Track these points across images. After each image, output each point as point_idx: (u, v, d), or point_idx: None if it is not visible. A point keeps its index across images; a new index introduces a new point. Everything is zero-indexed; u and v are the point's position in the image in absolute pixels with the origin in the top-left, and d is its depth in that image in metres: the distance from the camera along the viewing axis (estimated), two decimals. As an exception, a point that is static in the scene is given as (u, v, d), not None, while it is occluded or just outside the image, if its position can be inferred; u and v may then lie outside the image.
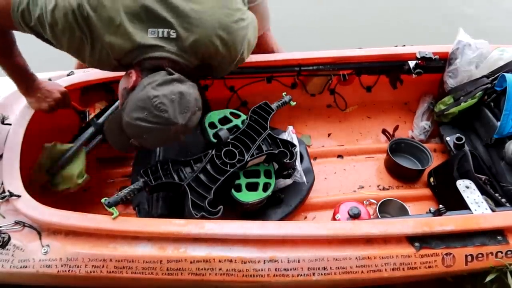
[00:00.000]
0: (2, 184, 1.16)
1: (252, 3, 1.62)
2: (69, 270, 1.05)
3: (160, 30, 1.04)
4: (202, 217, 1.09)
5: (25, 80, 1.28)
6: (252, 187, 1.25)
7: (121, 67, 1.10)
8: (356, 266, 1.08)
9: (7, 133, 1.28)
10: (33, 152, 1.30)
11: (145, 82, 1.01)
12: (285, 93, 1.47)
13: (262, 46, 1.82)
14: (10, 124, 1.32)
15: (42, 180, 1.37)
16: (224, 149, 1.23)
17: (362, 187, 1.63)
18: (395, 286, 1.33)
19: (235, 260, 1.06)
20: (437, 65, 1.67)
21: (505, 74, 1.49)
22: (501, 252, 1.12)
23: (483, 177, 1.41)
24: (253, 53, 1.35)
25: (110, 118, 1.10)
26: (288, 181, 1.41)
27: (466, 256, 1.11)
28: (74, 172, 1.44)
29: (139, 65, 1.07)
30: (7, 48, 1.17)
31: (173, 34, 1.05)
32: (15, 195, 1.11)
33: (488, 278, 1.14)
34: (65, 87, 1.37)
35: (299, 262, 1.07)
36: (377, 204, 1.47)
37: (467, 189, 1.31)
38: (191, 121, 1.03)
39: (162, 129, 0.99)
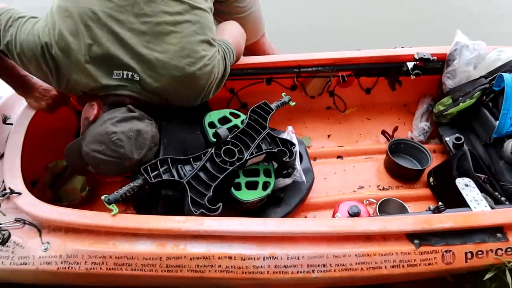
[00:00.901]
0: (3, 182, 1.17)
1: (242, 13, 1.65)
2: (69, 267, 1.05)
3: (125, 72, 1.10)
4: (202, 214, 1.09)
5: (20, 82, 1.31)
6: (251, 186, 1.25)
7: (87, 95, 1.15)
8: (356, 263, 1.08)
9: (9, 133, 1.30)
10: (33, 151, 1.30)
11: (106, 117, 1.08)
12: (284, 93, 1.48)
13: (256, 53, 1.83)
14: (11, 124, 1.33)
15: (46, 197, 1.40)
16: (224, 148, 1.24)
17: (362, 187, 1.63)
18: (395, 285, 1.33)
19: (235, 257, 1.06)
20: (436, 66, 1.68)
21: (503, 74, 1.49)
22: (501, 249, 1.12)
23: (483, 176, 1.41)
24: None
25: (71, 143, 1.15)
26: (288, 181, 1.42)
27: (466, 253, 1.11)
28: (77, 185, 1.50)
29: (102, 98, 1.12)
30: None
31: (137, 77, 1.11)
32: (16, 193, 1.12)
33: (487, 276, 1.13)
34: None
35: (298, 259, 1.07)
36: (377, 204, 1.47)
37: (466, 187, 1.32)
38: (146, 156, 1.11)
39: (117, 162, 1.06)
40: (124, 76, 1.10)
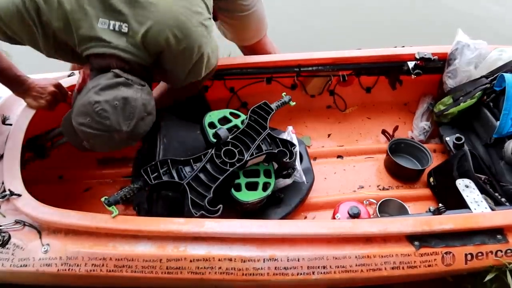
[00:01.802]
0: (3, 183, 1.16)
1: (246, 11, 1.63)
2: (69, 269, 1.05)
3: (112, 22, 0.99)
4: (202, 216, 1.09)
5: (16, 82, 1.28)
6: (251, 187, 1.25)
7: (79, 58, 1.06)
8: (356, 265, 1.08)
9: (8, 134, 1.29)
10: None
11: (90, 86, 0.98)
12: (284, 93, 1.47)
13: (258, 52, 1.82)
14: (11, 125, 1.32)
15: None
16: (224, 149, 1.23)
17: (362, 187, 1.63)
18: (395, 286, 1.33)
19: (235, 259, 1.06)
20: (436, 65, 1.68)
21: (504, 74, 1.49)
22: (501, 251, 1.12)
23: (483, 177, 1.41)
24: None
25: (65, 117, 1.08)
26: (288, 181, 1.42)
27: (466, 255, 1.11)
28: None
29: (89, 64, 1.03)
30: None
31: (125, 28, 1.00)
32: (16, 194, 1.12)
33: (488, 277, 1.14)
34: (66, 88, 1.37)
35: (298, 261, 1.07)
36: (377, 204, 1.47)
37: (467, 188, 1.31)
38: (138, 127, 0.99)
39: (106, 136, 0.96)
40: (111, 27, 0.99)
